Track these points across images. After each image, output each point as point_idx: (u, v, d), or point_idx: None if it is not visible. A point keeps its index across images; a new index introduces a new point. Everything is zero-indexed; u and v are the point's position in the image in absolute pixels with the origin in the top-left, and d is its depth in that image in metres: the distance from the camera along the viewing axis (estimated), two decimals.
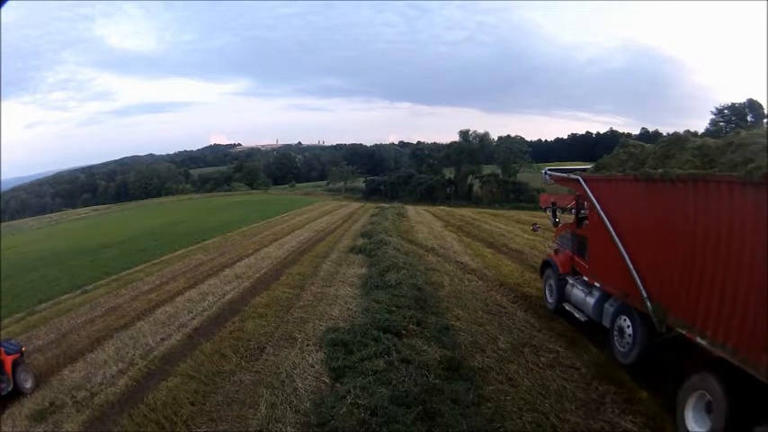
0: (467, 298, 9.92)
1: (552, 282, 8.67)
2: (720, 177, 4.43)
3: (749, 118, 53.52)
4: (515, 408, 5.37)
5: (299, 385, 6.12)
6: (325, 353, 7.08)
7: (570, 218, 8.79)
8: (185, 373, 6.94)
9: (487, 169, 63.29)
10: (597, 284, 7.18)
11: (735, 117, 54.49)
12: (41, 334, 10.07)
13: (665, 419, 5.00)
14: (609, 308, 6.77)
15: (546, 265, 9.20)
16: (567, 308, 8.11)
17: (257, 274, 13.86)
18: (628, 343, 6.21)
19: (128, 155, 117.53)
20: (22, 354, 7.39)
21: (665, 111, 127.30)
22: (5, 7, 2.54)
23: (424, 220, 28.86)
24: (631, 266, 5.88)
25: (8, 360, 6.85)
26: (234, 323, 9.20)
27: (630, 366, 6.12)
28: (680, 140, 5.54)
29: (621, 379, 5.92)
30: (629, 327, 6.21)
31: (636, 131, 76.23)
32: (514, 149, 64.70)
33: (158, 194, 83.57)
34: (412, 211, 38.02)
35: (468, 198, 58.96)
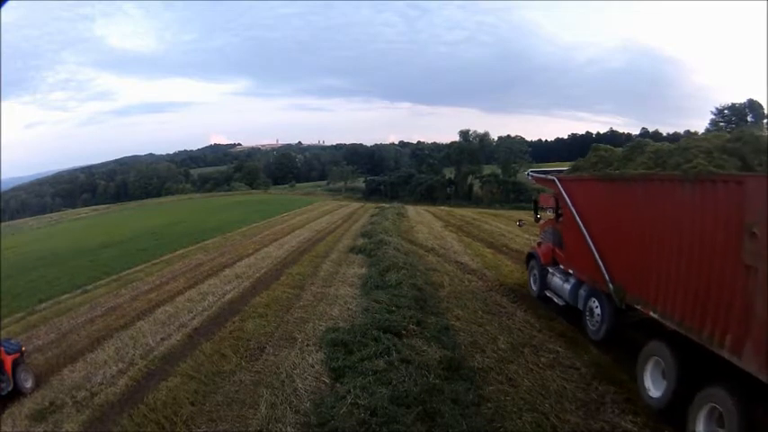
0: (467, 298, 9.93)
1: (536, 271, 9.63)
2: (664, 176, 5.29)
3: (749, 118, 53.38)
4: (515, 408, 5.37)
5: (299, 385, 6.13)
6: (325, 353, 7.08)
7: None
8: (185, 373, 6.94)
9: (487, 169, 63.27)
10: (572, 272, 8.09)
11: (735, 117, 54.35)
12: (41, 334, 10.07)
13: (665, 420, 5.01)
14: (582, 293, 7.63)
15: (530, 256, 10.06)
16: (548, 294, 9.01)
17: (257, 274, 13.86)
18: (597, 321, 7.08)
19: (128, 155, 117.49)
20: (22, 353, 7.38)
21: (665, 111, 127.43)
22: (5, 7, 2.54)
23: (424, 220, 28.86)
24: (596, 255, 6.81)
25: (8, 360, 6.85)
26: (234, 323, 9.20)
27: (600, 342, 6.98)
28: (640, 145, 6.38)
29: (621, 379, 5.93)
30: (597, 307, 7.09)
31: (636, 131, 76.08)
32: (514, 149, 64.60)
33: (158, 194, 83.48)
34: (412, 211, 38.00)
35: (468, 198, 58.89)
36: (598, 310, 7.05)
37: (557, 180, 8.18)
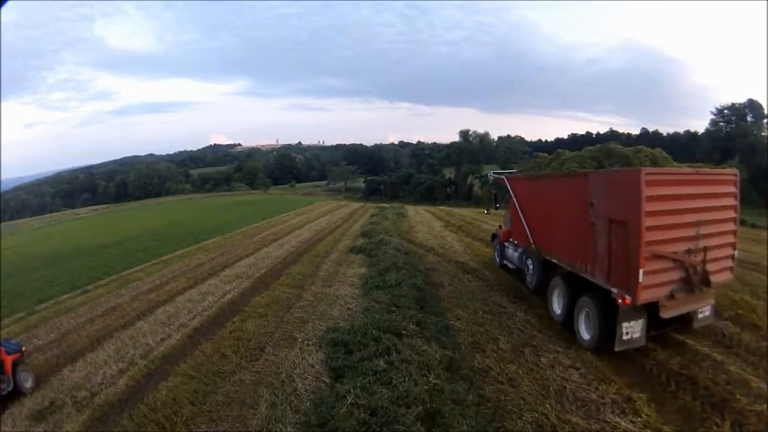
0: (467, 298, 9.93)
1: (498, 246, 12.66)
2: (553, 174, 8.53)
3: (749, 118, 53.28)
4: (515, 408, 5.36)
5: (299, 385, 6.13)
6: (325, 353, 7.08)
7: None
8: (185, 373, 6.94)
9: (487, 169, 63.11)
10: (517, 243, 10.90)
11: (735, 117, 54.24)
12: (41, 334, 10.08)
13: (665, 420, 5.01)
14: (525, 258, 10.26)
15: (494, 236, 13.28)
16: (505, 262, 12.02)
17: (257, 274, 13.86)
18: (531, 275, 9.79)
19: (128, 155, 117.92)
20: (22, 353, 7.39)
21: (665, 111, 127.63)
22: (5, 7, 2.54)
23: (423, 220, 28.84)
24: (526, 227, 9.77)
25: (8, 360, 6.86)
26: (234, 323, 9.20)
27: (534, 290, 9.63)
28: (558, 155, 9.05)
29: (621, 379, 5.92)
30: (531, 265, 9.79)
31: (636, 131, 76.27)
32: (514, 149, 64.71)
33: (158, 194, 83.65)
34: (412, 211, 37.99)
35: (468, 198, 58.91)
36: (531, 267, 9.76)
37: (505, 179, 11.03)
